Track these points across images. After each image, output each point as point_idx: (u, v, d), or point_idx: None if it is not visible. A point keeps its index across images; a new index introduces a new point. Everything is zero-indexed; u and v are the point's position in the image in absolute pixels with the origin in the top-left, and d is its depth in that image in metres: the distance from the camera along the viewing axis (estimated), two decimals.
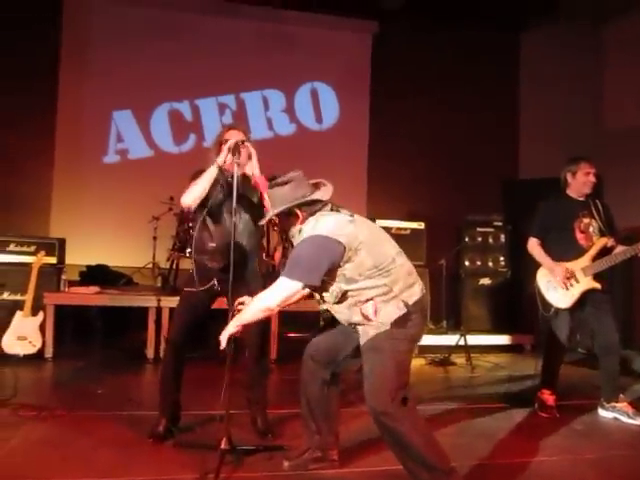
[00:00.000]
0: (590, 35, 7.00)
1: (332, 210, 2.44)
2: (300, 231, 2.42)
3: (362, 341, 2.38)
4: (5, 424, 3.11)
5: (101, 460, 2.68)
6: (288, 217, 2.46)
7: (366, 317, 2.33)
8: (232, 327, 2.45)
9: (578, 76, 7.09)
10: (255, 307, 2.42)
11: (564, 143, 6.59)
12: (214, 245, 3.02)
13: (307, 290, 2.38)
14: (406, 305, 2.30)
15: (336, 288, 2.36)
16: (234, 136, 2.98)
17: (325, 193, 2.46)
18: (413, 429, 2.23)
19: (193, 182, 2.93)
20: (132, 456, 2.74)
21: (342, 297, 2.37)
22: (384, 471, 2.62)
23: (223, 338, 2.44)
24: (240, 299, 2.64)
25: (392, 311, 2.31)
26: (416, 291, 2.36)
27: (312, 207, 2.42)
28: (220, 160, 2.88)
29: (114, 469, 2.57)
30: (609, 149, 6.35)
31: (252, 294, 2.90)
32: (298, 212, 2.43)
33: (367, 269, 2.31)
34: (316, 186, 2.49)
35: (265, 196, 2.86)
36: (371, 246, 2.33)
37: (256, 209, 3.05)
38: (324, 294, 2.41)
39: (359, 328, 2.40)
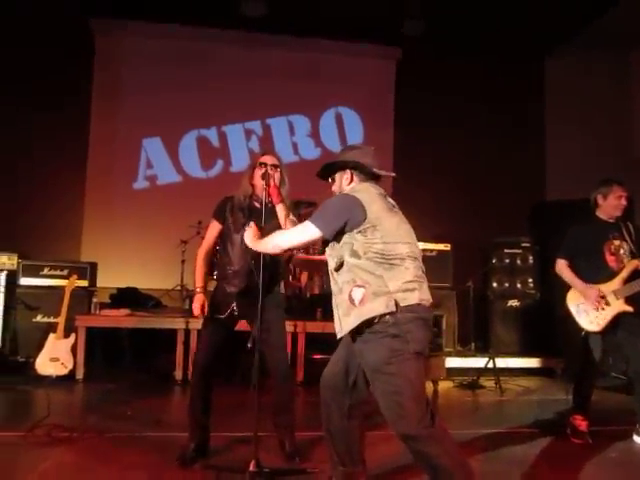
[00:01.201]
0: (617, 60, 6.98)
1: (384, 195, 2.49)
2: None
3: (364, 361, 2.35)
4: (39, 445, 3.19)
5: None
6: (341, 175, 2.55)
7: (351, 300, 2.30)
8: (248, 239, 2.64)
9: (605, 100, 7.06)
10: (272, 240, 2.52)
11: (592, 164, 6.54)
12: (233, 269, 3.07)
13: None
14: (396, 305, 2.23)
15: (339, 254, 2.37)
16: (268, 160, 3.07)
17: (383, 177, 2.56)
18: (442, 450, 2.20)
19: (213, 223, 3.14)
20: (163, 477, 2.76)
21: (340, 267, 2.37)
22: None
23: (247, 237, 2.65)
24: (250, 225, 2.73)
25: (378, 306, 2.25)
26: (413, 296, 2.28)
27: (365, 177, 2.51)
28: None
29: None
30: (638, 172, 6.27)
31: (271, 322, 2.98)
32: (350, 173, 2.53)
33: (373, 251, 2.30)
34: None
35: (277, 208, 2.94)
36: (389, 235, 2.33)
37: None
38: (329, 259, 2.44)
39: (355, 347, 2.38)
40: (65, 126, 6.94)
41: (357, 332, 2.32)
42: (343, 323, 2.35)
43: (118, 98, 7.34)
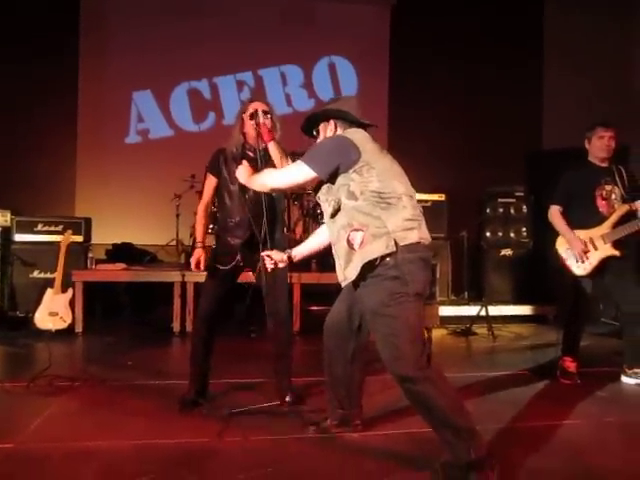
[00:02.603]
0: (618, 3, 6.80)
1: (371, 139, 2.45)
2: None
3: (364, 305, 2.37)
4: (42, 393, 3.26)
5: (132, 426, 2.79)
6: (325, 127, 2.52)
7: (350, 245, 2.29)
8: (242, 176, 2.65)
9: (605, 45, 6.91)
10: (264, 178, 2.51)
11: (589, 113, 6.47)
12: (234, 221, 3.07)
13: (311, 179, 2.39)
14: (396, 245, 2.21)
15: (335, 198, 2.36)
16: (258, 106, 3.01)
17: (369, 127, 2.53)
18: (438, 391, 2.21)
19: (210, 178, 3.08)
20: (162, 422, 2.84)
21: (337, 211, 2.35)
22: (407, 434, 2.69)
23: (239, 173, 2.66)
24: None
25: (378, 247, 2.22)
26: (413, 235, 2.26)
27: (349, 126, 2.48)
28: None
29: (145, 433, 2.68)
30: (636, 118, 6.21)
31: (273, 269, 2.96)
32: (334, 123, 2.50)
33: (370, 191, 2.27)
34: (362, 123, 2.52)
35: (269, 146, 2.91)
36: (384, 173, 2.31)
37: None
38: (325, 205, 2.43)
39: (357, 293, 2.39)
40: (54, 82, 6.82)
41: (359, 277, 2.30)
42: (346, 270, 2.34)
43: (106, 51, 7.18)
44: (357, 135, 2.38)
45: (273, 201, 3.13)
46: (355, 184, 2.29)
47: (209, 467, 2.33)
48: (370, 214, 2.26)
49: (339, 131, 2.49)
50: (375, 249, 2.23)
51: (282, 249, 3.12)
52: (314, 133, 2.60)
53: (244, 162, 2.73)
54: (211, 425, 2.78)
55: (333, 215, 2.38)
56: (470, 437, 2.17)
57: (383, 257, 2.23)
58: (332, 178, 2.35)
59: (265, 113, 3.01)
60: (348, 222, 2.31)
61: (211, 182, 3.17)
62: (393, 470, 2.31)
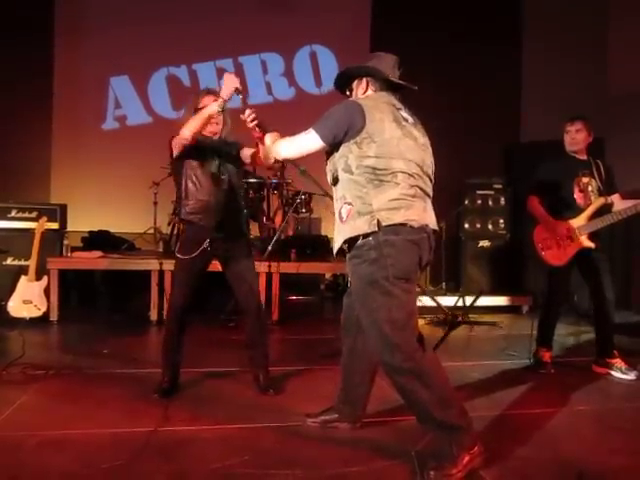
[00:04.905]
0: None
1: (397, 107, 2.36)
2: None
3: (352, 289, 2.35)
4: (15, 382, 3.21)
5: (107, 414, 2.77)
6: (358, 84, 2.45)
7: (340, 218, 2.29)
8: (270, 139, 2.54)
9: (582, 38, 6.99)
10: (277, 147, 2.43)
11: (566, 106, 6.53)
12: (205, 199, 3.00)
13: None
14: (378, 225, 2.16)
15: (334, 167, 2.33)
16: (211, 102, 2.89)
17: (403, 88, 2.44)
18: (421, 384, 2.15)
19: (191, 118, 2.91)
20: (137, 410, 2.82)
21: (335, 182, 2.33)
22: (386, 422, 2.71)
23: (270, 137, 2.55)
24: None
25: (361, 225, 2.19)
26: (397, 216, 2.17)
27: (381, 85, 2.41)
28: (225, 94, 2.78)
29: (119, 422, 2.66)
30: (612, 112, 6.30)
31: (241, 260, 3.07)
32: (366, 81, 2.42)
33: (365, 166, 2.20)
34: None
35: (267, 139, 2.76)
36: (385, 147, 2.21)
37: (238, 163, 3.13)
38: (328, 174, 2.39)
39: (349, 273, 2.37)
40: (29, 66, 6.64)
41: (346, 253, 2.29)
42: (335, 240, 2.34)
43: (82, 33, 7.01)
44: (370, 102, 2.30)
45: (240, 191, 3.16)
46: (353, 156, 2.23)
47: (184, 455, 2.32)
48: (360, 190, 2.22)
49: (370, 90, 2.42)
50: (358, 226, 2.21)
51: (249, 239, 3.16)
52: (347, 92, 2.51)
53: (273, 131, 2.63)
54: (186, 414, 2.77)
55: (333, 184, 2.36)
56: (452, 431, 2.15)
57: (365, 236, 2.19)
58: (338, 145, 2.29)
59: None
60: (343, 194, 2.29)
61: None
62: (370, 458, 2.32)
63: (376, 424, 2.70)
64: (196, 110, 2.97)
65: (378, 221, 2.17)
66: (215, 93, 2.97)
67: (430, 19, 7.39)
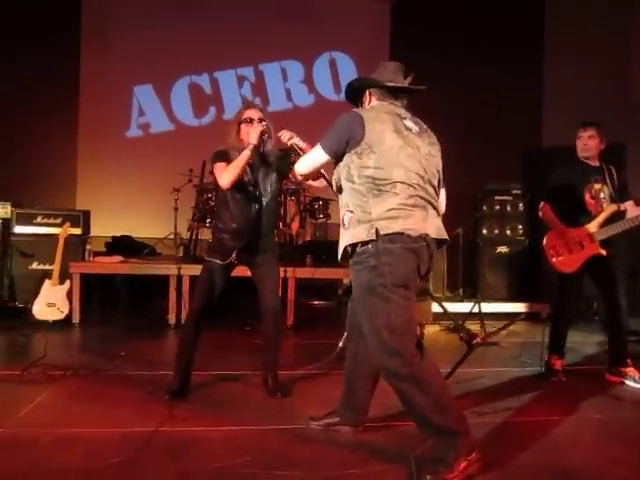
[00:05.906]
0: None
1: (401, 117, 2.39)
2: None
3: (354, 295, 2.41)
4: (35, 381, 3.33)
5: (119, 413, 2.87)
6: (361, 97, 2.52)
7: (342, 225, 2.37)
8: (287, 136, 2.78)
9: (605, 43, 6.90)
10: (296, 166, 2.54)
11: (588, 112, 6.45)
12: (235, 226, 3.13)
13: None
14: (376, 233, 2.21)
15: (337, 176, 2.41)
16: (253, 114, 3.10)
17: (406, 91, 2.47)
18: (420, 390, 2.17)
19: (222, 164, 3.03)
20: (147, 411, 2.91)
21: (340, 190, 2.41)
22: (386, 427, 2.74)
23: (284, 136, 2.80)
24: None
25: (360, 233, 2.26)
26: (396, 225, 2.21)
27: (382, 94, 2.46)
28: (253, 139, 3.00)
29: (130, 421, 2.75)
30: (634, 119, 6.20)
31: (266, 266, 3.19)
32: (368, 93, 2.49)
33: (365, 176, 2.27)
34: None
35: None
36: (384, 158, 2.26)
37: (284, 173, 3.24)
38: (333, 180, 2.47)
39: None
40: (56, 76, 6.86)
41: (349, 259, 2.35)
42: (339, 246, 2.40)
43: (107, 44, 7.24)
44: (371, 113, 2.36)
45: (275, 206, 3.33)
46: (354, 167, 2.30)
47: (189, 454, 2.40)
48: (361, 199, 2.28)
49: (374, 100, 2.48)
50: (357, 234, 2.27)
51: (275, 248, 3.29)
52: (359, 105, 2.57)
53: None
54: (193, 414, 2.85)
55: (338, 192, 2.44)
56: (450, 437, 2.17)
57: (364, 243, 2.25)
58: (342, 156, 2.37)
59: (261, 121, 3.10)
60: (346, 202, 2.36)
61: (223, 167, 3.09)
62: (368, 461, 2.36)
63: (378, 428, 2.74)
64: (239, 123, 3.11)
65: (377, 230, 2.22)
66: (255, 106, 3.20)
67: (451, 25, 7.41)
